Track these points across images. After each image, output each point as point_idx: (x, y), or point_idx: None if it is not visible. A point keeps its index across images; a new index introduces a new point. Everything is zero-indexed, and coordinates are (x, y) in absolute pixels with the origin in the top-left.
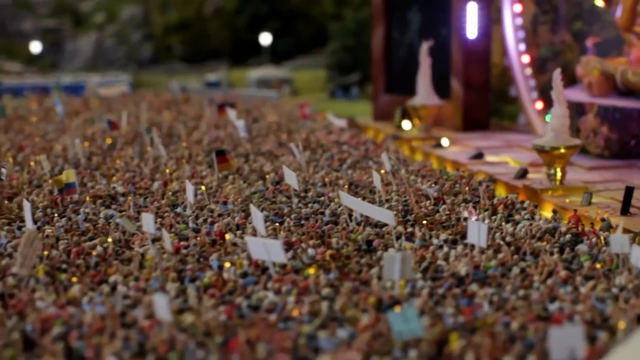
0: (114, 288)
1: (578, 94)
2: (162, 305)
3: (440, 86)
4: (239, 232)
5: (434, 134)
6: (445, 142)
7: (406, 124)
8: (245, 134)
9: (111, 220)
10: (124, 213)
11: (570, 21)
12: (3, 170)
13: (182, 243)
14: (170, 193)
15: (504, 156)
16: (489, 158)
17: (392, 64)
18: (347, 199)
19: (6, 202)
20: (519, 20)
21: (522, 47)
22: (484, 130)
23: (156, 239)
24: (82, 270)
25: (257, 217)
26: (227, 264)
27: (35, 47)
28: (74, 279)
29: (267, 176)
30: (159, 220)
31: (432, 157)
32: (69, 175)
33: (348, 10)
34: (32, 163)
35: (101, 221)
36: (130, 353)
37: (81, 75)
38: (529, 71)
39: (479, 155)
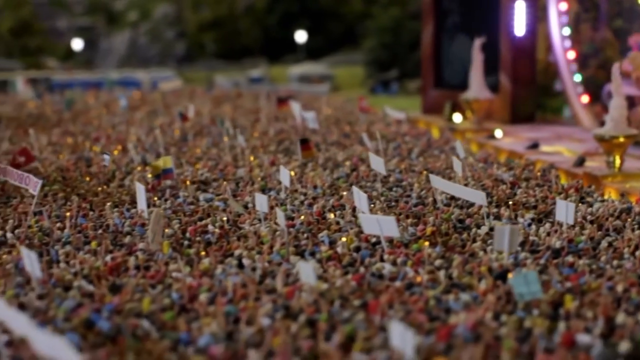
0: (240, 261)
1: (627, 88)
2: (307, 270)
3: (488, 81)
4: (337, 213)
5: (486, 126)
6: (498, 133)
7: (457, 117)
8: (316, 125)
9: (211, 203)
10: (222, 196)
11: (611, 19)
12: (106, 156)
13: (289, 222)
14: (259, 178)
15: (557, 146)
16: (544, 148)
17: (440, 60)
18: (438, 182)
19: (104, 186)
20: (565, 19)
21: (568, 44)
22: (530, 123)
23: (264, 218)
24: (204, 246)
25: (361, 197)
26: (344, 239)
27: (77, 44)
28: (202, 253)
29: (348, 163)
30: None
31: (488, 147)
32: (166, 161)
33: (377, 9)
34: (115, 152)
35: (202, 204)
36: (281, 315)
37: (127, 71)
38: (574, 67)
39: (535, 145)
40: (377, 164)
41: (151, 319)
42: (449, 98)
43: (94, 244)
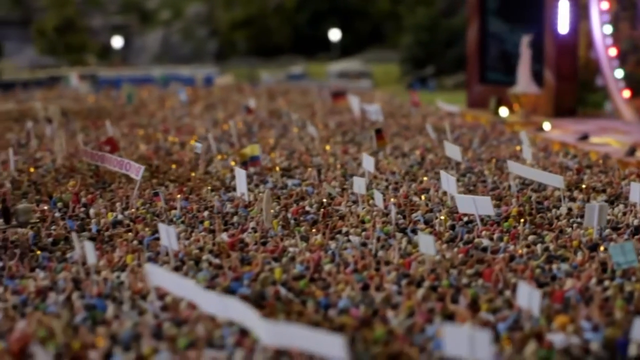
0: (347, 236)
1: None
2: (427, 242)
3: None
4: (423, 196)
5: (533, 120)
6: (547, 126)
7: (503, 111)
8: (381, 117)
9: (300, 188)
10: (308, 182)
11: None
12: (198, 144)
13: (385, 203)
14: (338, 166)
15: (605, 138)
16: (593, 140)
17: (485, 56)
18: (516, 167)
19: (192, 173)
20: (606, 17)
21: (609, 41)
22: (572, 116)
23: (355, 201)
24: (310, 225)
25: (450, 180)
26: (442, 217)
27: (117, 42)
28: (313, 230)
29: (417, 152)
30: (344, 187)
31: (538, 139)
32: (254, 149)
33: (403, 8)
34: (192, 142)
35: (292, 188)
36: (405, 282)
37: (170, 68)
38: (615, 63)
39: (585, 137)
40: (453, 151)
41: (286, 287)
42: (493, 93)
43: (206, 223)
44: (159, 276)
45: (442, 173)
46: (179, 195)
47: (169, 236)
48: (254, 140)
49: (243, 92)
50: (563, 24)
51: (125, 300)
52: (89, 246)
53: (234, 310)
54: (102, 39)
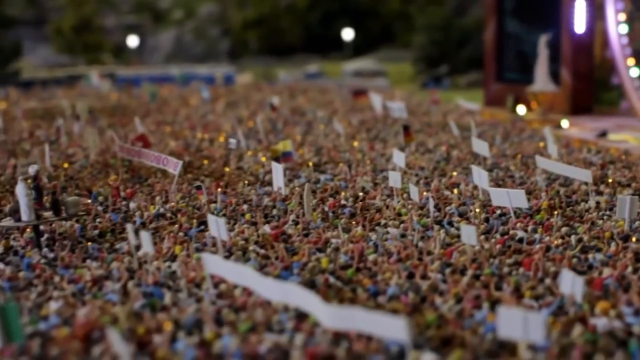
0: (386, 227)
1: None
2: (469, 233)
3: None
4: (455, 190)
5: (550, 117)
6: (565, 123)
7: (521, 109)
8: (405, 115)
9: (333, 182)
10: (340, 177)
11: None
12: (232, 140)
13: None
14: (368, 161)
15: (623, 135)
16: (611, 137)
17: (502, 56)
18: (544, 162)
19: (226, 168)
20: (622, 16)
21: (625, 40)
22: (588, 114)
23: (389, 195)
24: (348, 217)
25: (482, 175)
26: (477, 209)
27: (132, 41)
28: (352, 222)
29: (442, 148)
30: (376, 181)
31: (557, 136)
32: (286, 145)
33: (414, 8)
34: (221, 138)
35: (325, 182)
36: (449, 271)
37: (185, 67)
38: (631, 61)
39: (603, 134)
40: (481, 147)
41: (334, 275)
42: (510, 91)
43: (247, 215)
44: (215, 265)
45: (474, 167)
46: (218, 189)
47: (218, 227)
48: (281, 137)
49: (262, 90)
50: (579, 24)
51: (181, 288)
52: (145, 236)
53: (294, 295)
54: (115, 38)
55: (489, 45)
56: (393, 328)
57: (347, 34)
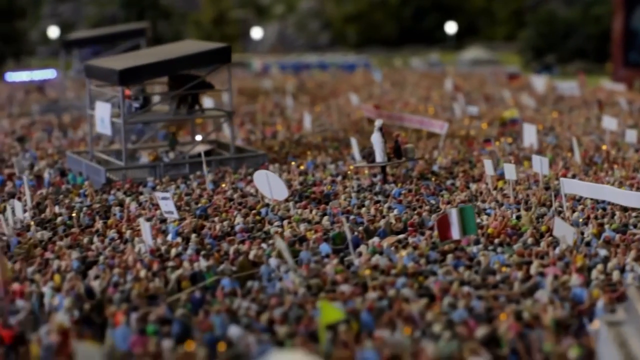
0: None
1: None
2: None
3: None
4: None
5: None
6: None
7: None
8: (576, 92)
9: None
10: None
11: None
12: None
13: None
14: None
15: None
16: None
17: (629, 44)
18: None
19: None
20: None
21: None
22: None
23: None
24: None
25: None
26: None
27: (257, 32)
28: None
29: None
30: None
31: None
32: (513, 112)
33: (497, 4)
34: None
35: None
36: None
37: (325, 56)
38: None
39: None
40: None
41: None
42: (637, 75)
43: None
44: (572, 186)
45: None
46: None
47: None
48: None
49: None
50: None
51: None
52: None
53: None
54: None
55: (617, 34)
56: None
57: (450, 27)
